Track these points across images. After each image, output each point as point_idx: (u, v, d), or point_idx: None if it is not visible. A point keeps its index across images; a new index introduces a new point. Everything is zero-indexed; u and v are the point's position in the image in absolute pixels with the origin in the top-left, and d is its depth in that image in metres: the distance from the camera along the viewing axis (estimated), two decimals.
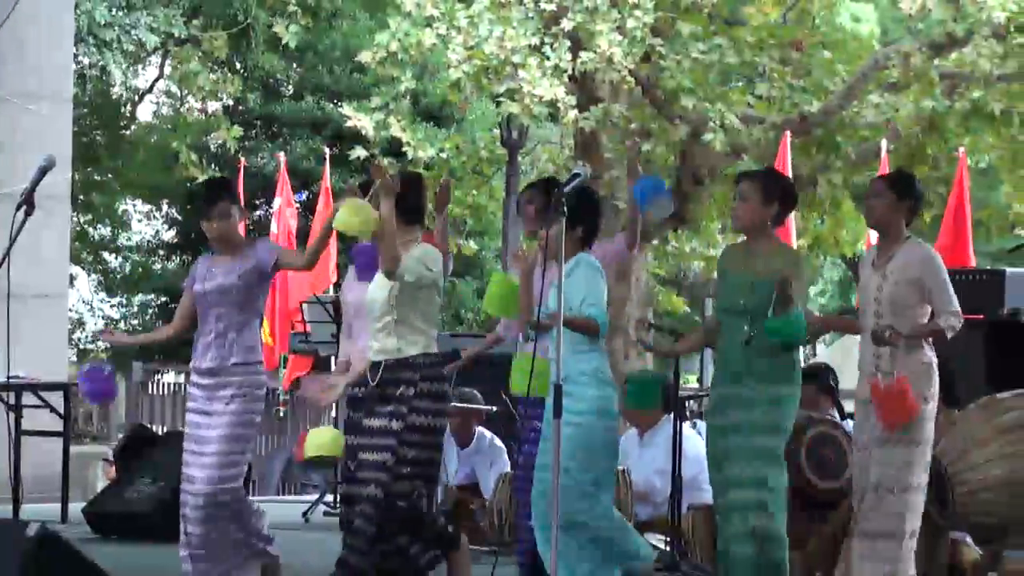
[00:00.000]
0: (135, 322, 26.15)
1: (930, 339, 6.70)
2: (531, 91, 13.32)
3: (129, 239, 27.79)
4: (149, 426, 15.30)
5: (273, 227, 14.31)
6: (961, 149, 13.28)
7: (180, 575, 7.18)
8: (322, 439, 7.22)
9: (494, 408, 9.84)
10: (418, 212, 7.22)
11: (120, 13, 20.78)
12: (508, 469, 9.44)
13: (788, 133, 13.01)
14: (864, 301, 6.88)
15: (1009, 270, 10.31)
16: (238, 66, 22.88)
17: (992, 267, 11.48)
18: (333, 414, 9.67)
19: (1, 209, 7.54)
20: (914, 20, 14.04)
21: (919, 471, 6.68)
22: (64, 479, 10.72)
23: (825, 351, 24.99)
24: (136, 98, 27.13)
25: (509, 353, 7.13)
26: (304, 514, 11.23)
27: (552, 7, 13.58)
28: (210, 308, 7.17)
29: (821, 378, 8.75)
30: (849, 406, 7.87)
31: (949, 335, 6.66)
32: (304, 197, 21.18)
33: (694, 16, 14.07)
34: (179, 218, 25.64)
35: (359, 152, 15.65)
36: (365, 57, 14.50)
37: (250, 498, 7.52)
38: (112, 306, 27.81)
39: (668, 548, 8.50)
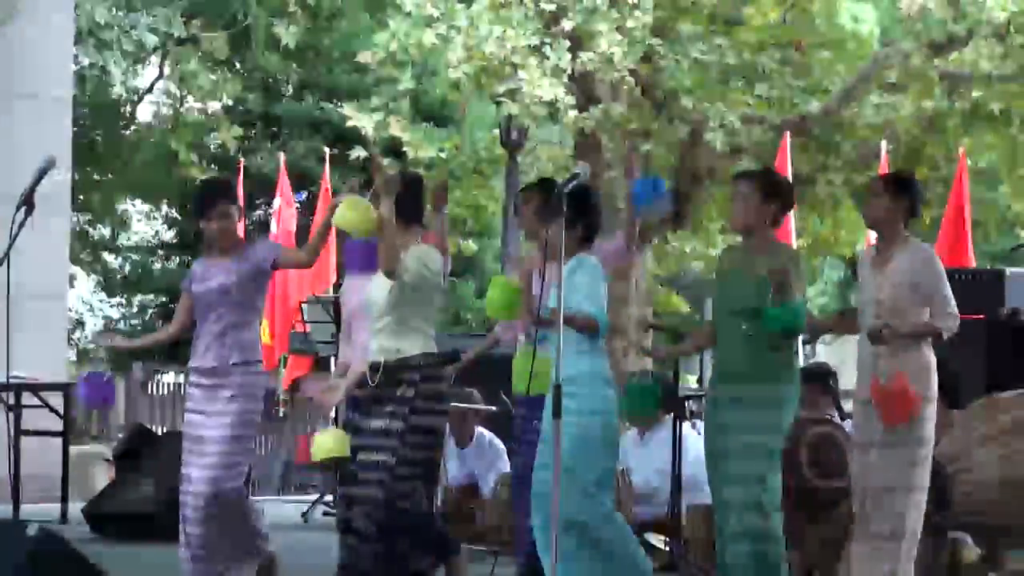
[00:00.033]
0: (135, 322, 26.11)
1: (928, 339, 6.70)
2: (531, 91, 13.33)
3: (129, 239, 27.75)
4: (149, 426, 15.28)
5: (273, 227, 14.29)
6: (961, 149, 13.27)
7: (180, 575, 7.18)
8: (329, 441, 7.20)
9: (494, 408, 9.84)
10: (418, 212, 7.22)
11: (120, 13, 20.74)
12: (508, 469, 9.42)
13: (788, 133, 13.01)
14: (863, 301, 6.87)
15: (1009, 270, 10.30)
16: (238, 66, 22.84)
17: (992, 267, 11.48)
18: (333, 414, 9.65)
19: (1, 209, 7.51)
20: (914, 20, 14.03)
21: (920, 471, 6.67)
22: (64, 479, 10.72)
23: (825, 351, 24.97)
24: (136, 98, 27.05)
25: (509, 353, 7.13)
26: (304, 514, 11.23)
27: (552, 7, 13.58)
28: (209, 308, 7.16)
29: (821, 378, 8.75)
30: (849, 406, 7.87)
31: (945, 336, 6.66)
32: (304, 197, 21.14)
33: (694, 16, 14.09)
34: (179, 218, 25.60)
35: (359, 152, 15.67)
36: (365, 57, 14.51)
37: (250, 498, 7.52)
38: (112, 306, 27.76)
39: (668, 548, 8.50)
